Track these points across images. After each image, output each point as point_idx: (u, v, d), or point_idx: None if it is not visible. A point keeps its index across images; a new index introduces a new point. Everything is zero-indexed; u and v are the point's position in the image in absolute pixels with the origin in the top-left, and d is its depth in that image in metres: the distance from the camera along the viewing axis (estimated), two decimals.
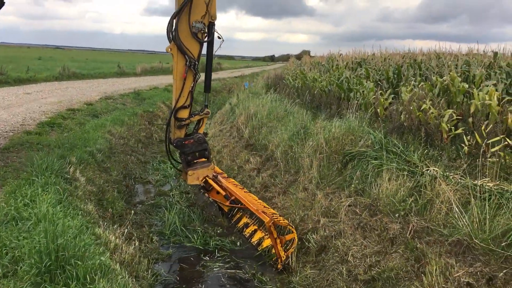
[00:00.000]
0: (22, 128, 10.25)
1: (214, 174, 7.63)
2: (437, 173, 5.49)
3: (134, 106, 16.58)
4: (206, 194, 7.98)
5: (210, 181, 7.46)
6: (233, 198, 7.26)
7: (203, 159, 7.52)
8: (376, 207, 5.80)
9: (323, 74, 14.92)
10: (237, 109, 14.62)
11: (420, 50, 15.08)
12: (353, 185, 6.39)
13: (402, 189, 5.64)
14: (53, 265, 3.59)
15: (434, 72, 10.43)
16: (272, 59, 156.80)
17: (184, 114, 7.06)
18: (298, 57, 45.23)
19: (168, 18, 6.66)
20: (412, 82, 9.44)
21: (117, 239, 5.38)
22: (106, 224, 5.93)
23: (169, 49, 6.69)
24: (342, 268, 5.38)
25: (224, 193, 7.45)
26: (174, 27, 6.61)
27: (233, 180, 7.92)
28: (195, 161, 7.44)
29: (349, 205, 6.13)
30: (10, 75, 20.93)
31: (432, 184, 5.36)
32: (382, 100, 9.27)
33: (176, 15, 6.54)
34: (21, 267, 3.76)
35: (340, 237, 5.78)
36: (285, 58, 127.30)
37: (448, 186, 5.17)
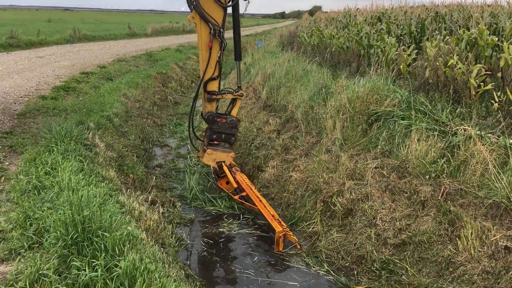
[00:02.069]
0: (37, 92, 10.12)
1: (230, 164, 7.25)
2: (471, 132, 5.24)
3: (147, 68, 16.33)
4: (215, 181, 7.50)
5: (225, 168, 7.03)
6: (244, 194, 6.78)
7: (226, 143, 7.14)
8: (405, 169, 5.60)
9: (340, 30, 14.41)
10: (252, 69, 14.30)
11: (442, 3, 14.43)
12: (379, 147, 6.17)
13: (432, 150, 5.41)
14: (80, 237, 3.50)
15: (459, 26, 9.95)
16: (282, 16, 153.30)
17: (213, 86, 6.67)
18: (311, 13, 44.07)
19: None
20: (438, 36, 9.00)
21: (141, 206, 5.30)
22: (129, 191, 5.85)
23: (191, 18, 6.33)
24: (371, 231, 5.26)
25: (235, 186, 6.94)
26: None
27: (245, 177, 7.34)
28: (217, 142, 7.09)
29: (375, 167, 5.94)
30: (21, 38, 20.66)
31: (466, 144, 5.12)
32: (405, 56, 8.88)
33: None
34: (46, 239, 3.69)
35: (367, 200, 5.62)
36: (296, 14, 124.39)
37: (483, 146, 4.93)
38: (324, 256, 5.44)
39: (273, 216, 5.98)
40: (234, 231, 6.17)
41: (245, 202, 6.72)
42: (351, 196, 5.83)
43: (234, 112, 7.04)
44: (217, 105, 7.04)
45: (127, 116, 9.68)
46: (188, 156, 8.88)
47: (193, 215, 6.55)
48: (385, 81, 7.34)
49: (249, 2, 6.63)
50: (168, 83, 15.29)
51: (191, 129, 7.23)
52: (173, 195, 7.14)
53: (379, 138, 6.30)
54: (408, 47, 9.49)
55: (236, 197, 6.83)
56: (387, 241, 5.07)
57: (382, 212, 5.33)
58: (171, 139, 10.27)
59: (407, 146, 5.74)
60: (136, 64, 16.97)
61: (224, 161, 7.03)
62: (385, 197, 5.50)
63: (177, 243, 5.51)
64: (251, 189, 6.70)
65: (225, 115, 7.03)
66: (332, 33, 13.38)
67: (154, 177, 7.35)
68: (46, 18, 49.53)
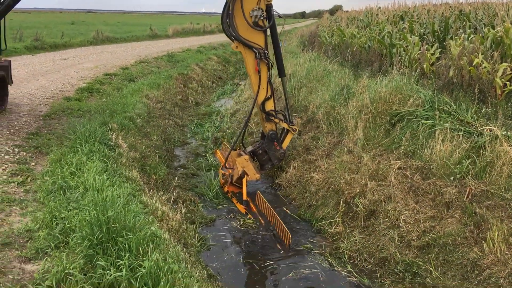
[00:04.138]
0: (62, 94, 10.31)
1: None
2: (497, 132, 5.13)
3: (168, 69, 16.47)
4: (227, 189, 7.39)
5: (244, 182, 6.97)
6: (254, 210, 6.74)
7: (261, 165, 7.19)
8: (429, 170, 5.52)
9: (361, 29, 14.30)
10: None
11: (466, 1, 14.18)
12: (402, 147, 6.10)
13: (457, 150, 5.32)
14: (105, 237, 3.55)
15: (484, 24, 9.77)
16: (302, 15, 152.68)
17: (269, 105, 6.71)
18: (332, 12, 43.85)
19: None
20: (462, 35, 8.85)
21: (163, 206, 5.35)
22: (152, 191, 5.91)
23: (235, 47, 6.41)
24: (394, 233, 5.20)
25: (245, 198, 6.84)
26: (230, 24, 6.26)
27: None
28: (257, 158, 7.12)
29: (398, 168, 5.87)
30: (46, 41, 21.07)
31: (492, 145, 5.02)
32: (428, 55, 8.76)
33: (227, 11, 6.15)
34: (72, 239, 3.75)
35: (390, 201, 5.56)
36: (316, 14, 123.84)
37: (510, 147, 4.82)
38: (346, 257, 5.40)
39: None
40: (256, 230, 6.18)
41: (249, 212, 6.66)
42: (373, 197, 5.77)
43: (284, 145, 7.03)
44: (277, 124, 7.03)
45: (149, 116, 9.78)
46: (207, 155, 8.93)
47: (214, 214, 6.58)
48: (408, 80, 7.24)
49: (285, 20, 6.64)
50: (189, 84, 15.39)
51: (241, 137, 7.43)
52: (194, 195, 7.18)
53: (402, 138, 6.23)
54: (432, 46, 9.36)
55: (241, 207, 6.75)
56: (411, 243, 5.01)
57: (406, 213, 5.27)
58: (192, 139, 10.34)
59: (431, 147, 5.66)
60: (157, 65, 17.14)
61: (247, 175, 7.01)
62: (409, 199, 5.43)
63: (199, 243, 5.54)
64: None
65: (280, 142, 7.00)
66: (353, 32, 13.29)
67: (176, 177, 7.40)
68: (70, 21, 50.41)
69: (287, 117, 7.01)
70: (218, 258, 5.47)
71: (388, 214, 5.43)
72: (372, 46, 11.74)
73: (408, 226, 5.14)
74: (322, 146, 7.68)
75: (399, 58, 9.48)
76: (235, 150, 7.65)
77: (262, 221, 6.37)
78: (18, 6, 6.84)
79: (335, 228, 5.95)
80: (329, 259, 5.44)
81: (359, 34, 13.00)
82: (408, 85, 7.07)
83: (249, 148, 7.08)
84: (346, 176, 6.44)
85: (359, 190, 6.06)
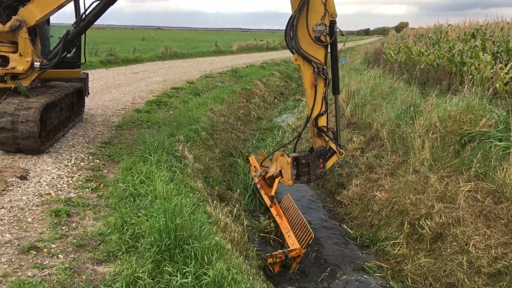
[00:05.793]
0: (132, 106, 10.83)
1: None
2: None
3: (232, 84, 16.83)
4: (257, 180, 7.46)
5: (276, 182, 6.87)
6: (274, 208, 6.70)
7: (299, 175, 6.98)
8: (502, 193, 5.24)
9: (430, 47, 13.93)
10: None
11: None
12: (473, 169, 5.85)
13: None
14: (172, 243, 3.68)
15: None
16: (366, 32, 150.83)
17: (322, 121, 6.69)
18: (398, 29, 43.00)
19: None
20: None
21: (226, 218, 5.45)
22: (215, 202, 6.04)
23: (294, 60, 6.49)
24: (462, 258, 4.97)
25: (272, 194, 6.81)
26: (293, 37, 6.38)
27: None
28: (297, 167, 6.90)
29: (468, 191, 5.62)
30: (119, 55, 22.25)
31: None
32: (502, 74, 8.39)
33: (292, 23, 6.27)
34: (141, 244, 3.91)
35: (458, 225, 5.33)
36: (380, 31, 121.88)
37: None
38: (410, 281, 5.23)
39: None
40: (319, 243, 6.14)
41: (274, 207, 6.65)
42: (440, 220, 5.56)
43: (327, 165, 6.91)
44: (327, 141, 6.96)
45: (213, 130, 10.03)
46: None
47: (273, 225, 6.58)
48: (480, 100, 6.96)
49: (347, 37, 6.63)
50: (251, 98, 15.63)
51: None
52: (255, 208, 7.24)
53: (473, 160, 5.97)
54: (506, 64, 8.96)
55: (267, 198, 6.81)
56: (481, 269, 4.77)
57: (476, 238, 5.03)
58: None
59: (504, 170, 5.38)
60: (221, 80, 17.57)
61: (281, 177, 6.86)
62: (479, 223, 5.18)
63: (259, 257, 5.58)
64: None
65: (325, 161, 6.93)
66: (421, 49, 12.97)
67: (238, 190, 7.51)
68: (141, 37, 52.89)
69: (337, 137, 6.87)
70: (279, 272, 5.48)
71: (457, 238, 5.21)
72: (441, 64, 11.40)
73: (478, 252, 4.90)
74: (386, 164, 7.52)
75: (470, 76, 9.14)
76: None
77: (282, 220, 6.26)
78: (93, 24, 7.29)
79: (398, 250, 5.79)
80: (390, 282, 5.28)
81: (427, 51, 12.67)
82: (480, 105, 6.79)
83: (294, 154, 7.00)
84: (411, 197, 6.26)
85: (425, 212, 5.87)
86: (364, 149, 8.65)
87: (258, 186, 7.36)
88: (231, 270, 3.59)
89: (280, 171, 6.74)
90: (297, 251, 5.42)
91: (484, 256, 4.84)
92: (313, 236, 5.54)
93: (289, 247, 5.51)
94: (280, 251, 5.50)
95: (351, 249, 6.25)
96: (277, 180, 6.81)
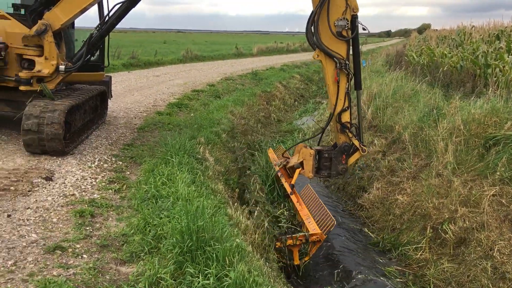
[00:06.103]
0: (154, 108, 10.95)
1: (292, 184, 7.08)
2: None
3: (252, 86, 16.88)
4: (279, 169, 7.45)
5: (297, 173, 6.84)
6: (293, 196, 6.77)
7: (320, 168, 6.88)
8: None
9: (453, 49, 13.73)
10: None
11: None
12: (498, 173, 5.74)
13: None
14: (194, 245, 3.71)
15: None
16: (388, 34, 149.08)
17: (346, 117, 6.63)
18: (420, 31, 42.47)
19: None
20: None
21: (247, 220, 5.47)
22: (236, 204, 6.07)
23: (316, 56, 6.46)
24: (487, 264, 4.88)
25: (292, 182, 6.87)
26: (314, 32, 6.36)
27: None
28: (318, 161, 6.79)
29: (493, 195, 5.52)
30: (141, 58, 22.52)
31: None
32: None
33: (313, 19, 6.25)
34: (163, 245, 3.96)
35: (483, 229, 5.24)
36: (402, 33, 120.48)
37: None
38: (432, 287, 5.16)
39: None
40: (339, 246, 6.10)
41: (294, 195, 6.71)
42: (464, 224, 5.48)
43: (349, 162, 6.85)
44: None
45: (233, 132, 10.07)
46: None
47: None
48: (505, 103, 6.83)
49: (369, 32, 6.57)
50: (271, 101, 15.64)
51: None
52: (275, 210, 7.22)
53: (498, 163, 5.86)
54: None
55: (287, 186, 6.85)
56: (506, 275, 4.68)
57: (500, 243, 4.93)
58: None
59: None
60: (242, 82, 17.63)
61: (300, 169, 6.80)
62: (504, 228, 5.09)
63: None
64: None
65: (347, 157, 6.86)
66: (444, 51, 12.79)
67: (259, 175, 7.50)
68: (162, 40, 53.44)
69: (359, 134, 6.79)
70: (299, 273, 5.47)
71: (481, 243, 5.12)
72: (464, 66, 11.23)
73: (503, 257, 4.81)
74: (408, 168, 7.43)
75: (495, 79, 8.98)
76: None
77: (302, 207, 6.29)
78: (116, 26, 7.39)
79: (421, 255, 5.71)
80: (412, 287, 5.22)
81: (450, 53, 12.49)
82: (506, 108, 6.66)
83: (317, 147, 6.93)
84: (434, 201, 6.17)
85: (448, 216, 5.78)
86: (385, 152, 8.57)
87: (279, 174, 7.37)
88: (252, 272, 3.60)
89: (301, 162, 6.72)
90: (318, 236, 5.47)
91: (509, 261, 4.75)
92: (335, 223, 5.56)
93: (309, 232, 5.53)
94: (301, 233, 5.53)
95: (372, 253, 6.20)
96: (297, 171, 6.80)
